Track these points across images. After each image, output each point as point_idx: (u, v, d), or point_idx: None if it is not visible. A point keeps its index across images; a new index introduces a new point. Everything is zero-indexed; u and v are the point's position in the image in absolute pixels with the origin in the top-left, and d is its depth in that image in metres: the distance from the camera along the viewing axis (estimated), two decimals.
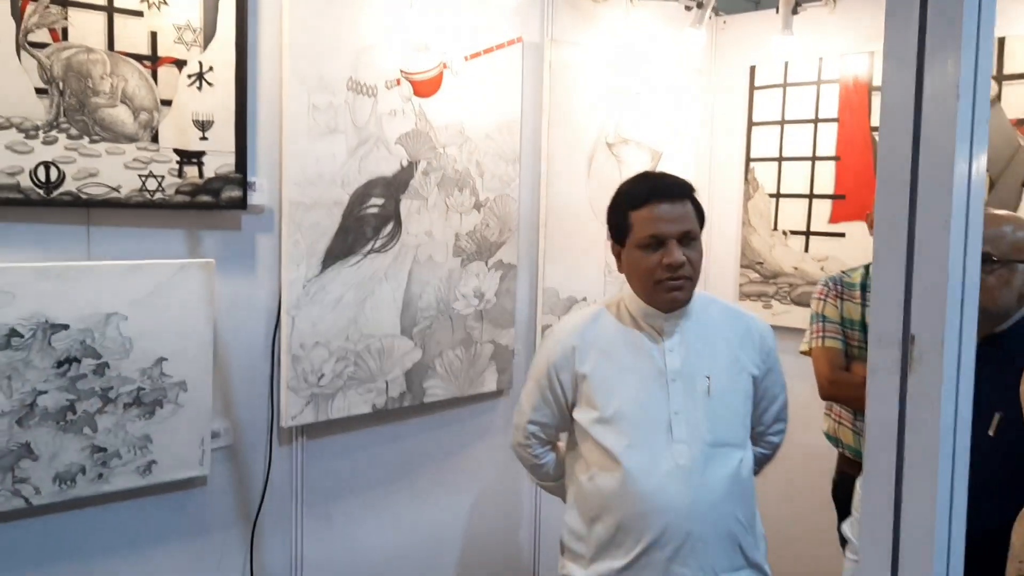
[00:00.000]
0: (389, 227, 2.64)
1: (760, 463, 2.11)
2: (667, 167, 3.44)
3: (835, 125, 3.29)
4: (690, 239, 1.87)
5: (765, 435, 2.09)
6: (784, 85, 3.44)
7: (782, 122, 3.45)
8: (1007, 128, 2.84)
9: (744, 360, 1.95)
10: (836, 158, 3.30)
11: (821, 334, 2.65)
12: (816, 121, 3.35)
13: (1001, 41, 2.84)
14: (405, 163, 2.65)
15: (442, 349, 2.80)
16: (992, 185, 2.87)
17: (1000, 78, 2.84)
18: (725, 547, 1.85)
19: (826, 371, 2.62)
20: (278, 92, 2.37)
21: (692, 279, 1.89)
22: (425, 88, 2.68)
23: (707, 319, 1.96)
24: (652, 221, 1.83)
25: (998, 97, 2.85)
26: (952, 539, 0.90)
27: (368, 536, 2.75)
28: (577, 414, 1.95)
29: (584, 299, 3.22)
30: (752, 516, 1.95)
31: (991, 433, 1.80)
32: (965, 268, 0.81)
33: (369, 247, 2.59)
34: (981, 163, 0.85)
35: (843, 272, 2.74)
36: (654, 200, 1.85)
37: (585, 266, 3.22)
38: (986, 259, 1.84)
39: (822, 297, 2.71)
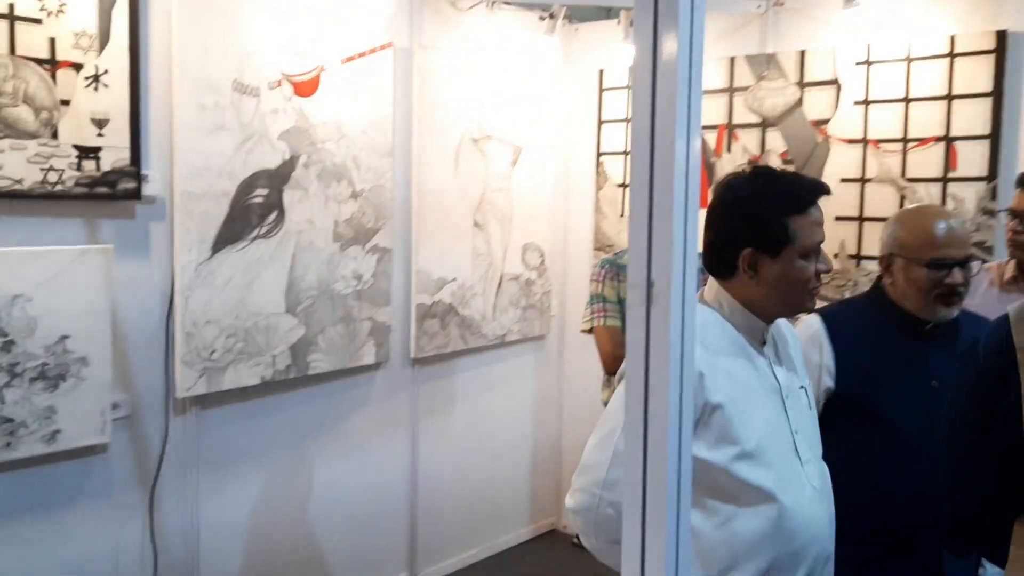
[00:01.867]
0: (273, 215, 2.91)
1: None
2: (527, 161, 3.82)
3: None
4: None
5: None
6: (629, 87, 3.88)
7: (627, 120, 3.89)
8: (807, 127, 3.34)
9: (800, 366, 1.82)
10: None
11: (603, 314, 2.86)
12: None
13: (802, 53, 3.33)
14: (287, 157, 2.92)
15: (324, 326, 3.09)
16: (800, 171, 3.37)
17: (802, 84, 3.34)
18: (831, 561, 1.73)
19: (609, 347, 2.78)
20: (168, 93, 2.60)
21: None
22: (304, 89, 2.96)
23: (777, 326, 1.76)
24: (816, 226, 1.63)
25: (800, 101, 3.35)
26: (683, 432, 1.29)
27: (260, 498, 3.02)
28: (701, 451, 1.59)
29: (454, 279, 3.56)
30: None
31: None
32: (686, 227, 1.20)
33: (255, 233, 2.85)
34: (695, 139, 1.23)
35: (616, 254, 2.99)
36: (815, 202, 1.64)
37: (454, 250, 3.56)
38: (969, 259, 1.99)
39: (600, 279, 2.88)
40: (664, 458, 1.28)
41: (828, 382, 2.03)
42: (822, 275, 1.64)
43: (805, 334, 2.05)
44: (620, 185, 3.94)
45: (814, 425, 1.73)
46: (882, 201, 3.18)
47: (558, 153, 4.02)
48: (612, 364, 2.79)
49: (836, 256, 3.30)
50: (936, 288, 1.96)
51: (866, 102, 3.20)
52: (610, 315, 2.84)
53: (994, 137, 2.93)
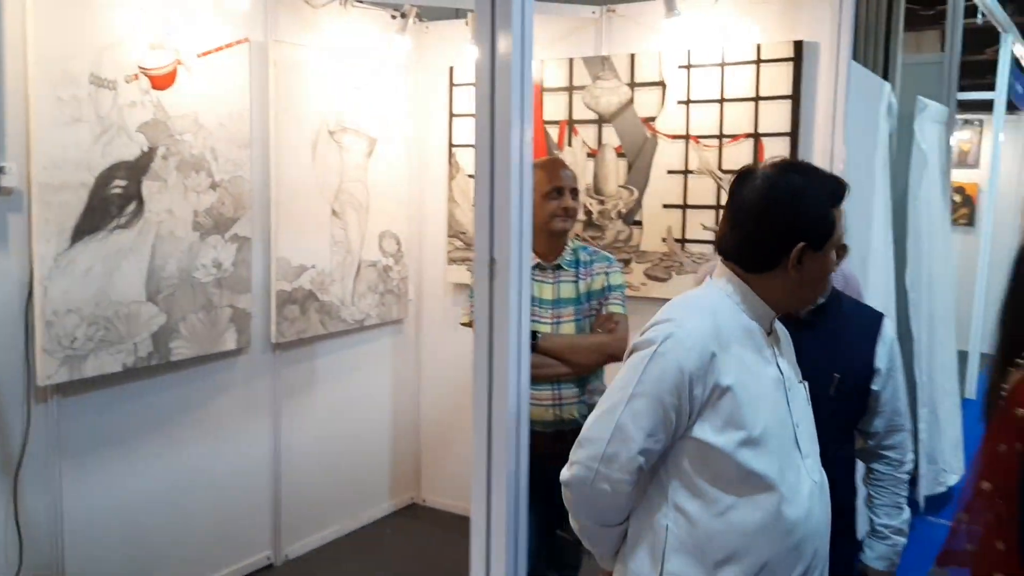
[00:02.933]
0: (132, 206, 2.98)
1: None
2: (382, 152, 4.00)
3: None
4: None
5: None
6: (477, 84, 4.11)
7: (477, 115, 4.12)
8: (638, 124, 3.69)
9: (794, 360, 1.79)
10: None
11: None
12: None
13: (632, 56, 3.67)
14: (145, 148, 2.99)
15: (185, 313, 3.18)
16: (630, 167, 3.71)
17: (632, 84, 3.68)
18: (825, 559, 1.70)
19: None
20: (24, 85, 2.64)
21: None
22: (161, 82, 3.04)
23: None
24: (841, 219, 1.64)
25: (631, 100, 3.69)
26: (521, 381, 1.54)
27: (125, 483, 3.08)
28: (707, 435, 1.56)
29: (313, 266, 3.70)
30: None
31: (832, 393, 1.99)
32: (521, 211, 1.44)
33: (115, 224, 2.92)
34: (528, 129, 1.48)
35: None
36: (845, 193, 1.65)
37: (313, 238, 3.70)
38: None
39: None
40: (505, 400, 1.53)
41: None
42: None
43: None
44: (471, 175, 4.18)
45: (812, 421, 1.71)
46: (702, 190, 3.57)
47: (412, 145, 4.22)
48: None
49: (664, 240, 3.66)
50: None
51: (687, 102, 3.57)
52: None
53: (793, 134, 3.36)
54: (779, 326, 1.73)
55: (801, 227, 1.57)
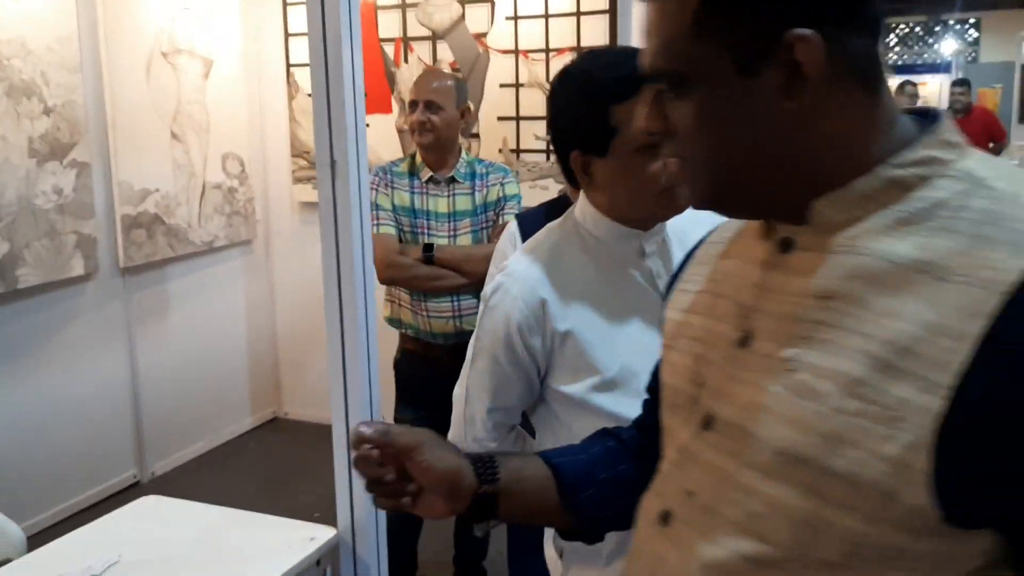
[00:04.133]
0: None
1: None
2: (219, 73, 4.01)
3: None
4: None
5: None
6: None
7: (309, 31, 4.18)
8: (470, 39, 3.87)
9: None
10: None
11: (376, 221, 2.71)
12: None
13: None
14: None
15: (28, 240, 3.18)
16: (464, 80, 3.89)
17: (463, 2, 3.84)
18: None
19: (382, 255, 2.61)
20: None
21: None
22: None
23: (678, 227, 1.51)
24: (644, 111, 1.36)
25: (463, 17, 3.86)
26: (366, 273, 1.75)
27: None
28: (561, 385, 1.48)
29: (157, 190, 3.72)
30: None
31: None
32: (356, 117, 1.63)
33: None
34: (358, 44, 1.65)
35: (391, 163, 2.91)
36: (646, 86, 1.28)
37: (154, 161, 3.71)
38: None
39: (374, 187, 2.79)
40: (354, 299, 1.74)
41: None
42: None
43: (502, 242, 2.06)
44: (311, 95, 4.25)
45: None
46: (533, 103, 3.81)
47: (250, 66, 4.23)
48: (386, 272, 2.68)
49: (500, 151, 3.90)
50: None
51: (515, 17, 3.78)
52: (383, 223, 2.70)
53: (614, 45, 3.63)
54: (687, 234, 1.35)
55: (568, 134, 1.41)
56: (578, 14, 3.67)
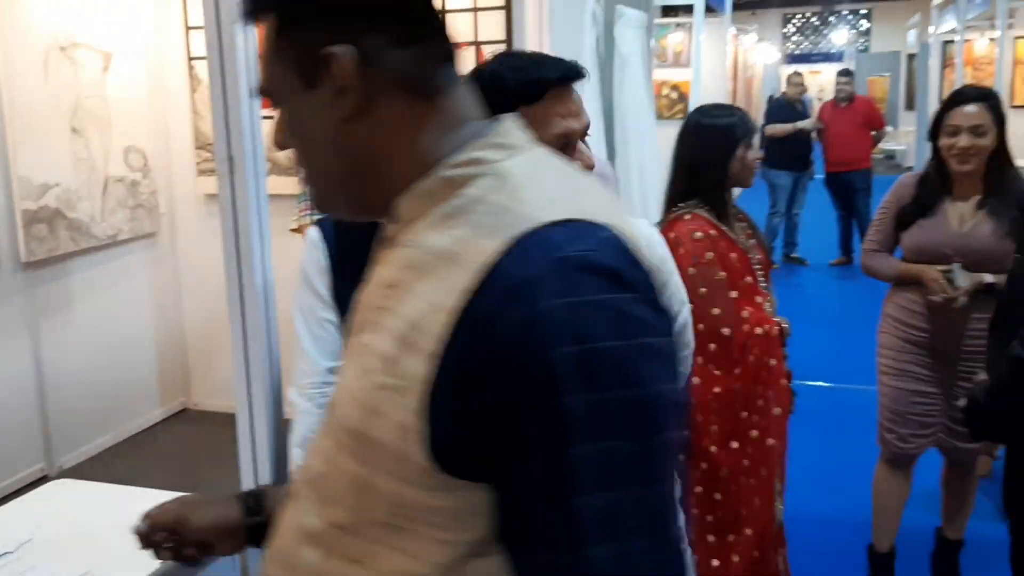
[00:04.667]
0: None
1: None
2: (119, 67, 4.01)
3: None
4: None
5: None
6: None
7: (205, 24, 4.22)
8: None
9: None
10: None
11: (309, 211, 2.79)
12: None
13: None
14: None
15: None
16: None
17: None
18: None
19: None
20: None
21: None
22: None
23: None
24: (556, 117, 1.43)
25: None
26: (266, 275, 1.86)
27: None
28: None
29: (57, 184, 3.71)
30: None
31: None
32: (252, 114, 1.74)
33: None
34: (252, 34, 1.75)
35: None
36: (552, 91, 1.42)
37: (54, 156, 3.70)
38: None
39: None
40: (254, 290, 1.85)
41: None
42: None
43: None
44: None
45: None
46: None
47: (151, 58, 4.24)
48: None
49: None
50: None
51: None
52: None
53: (508, 42, 3.78)
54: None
55: None
56: (475, 10, 3.81)
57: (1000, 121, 2.67)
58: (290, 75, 0.88)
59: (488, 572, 0.82)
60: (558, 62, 1.42)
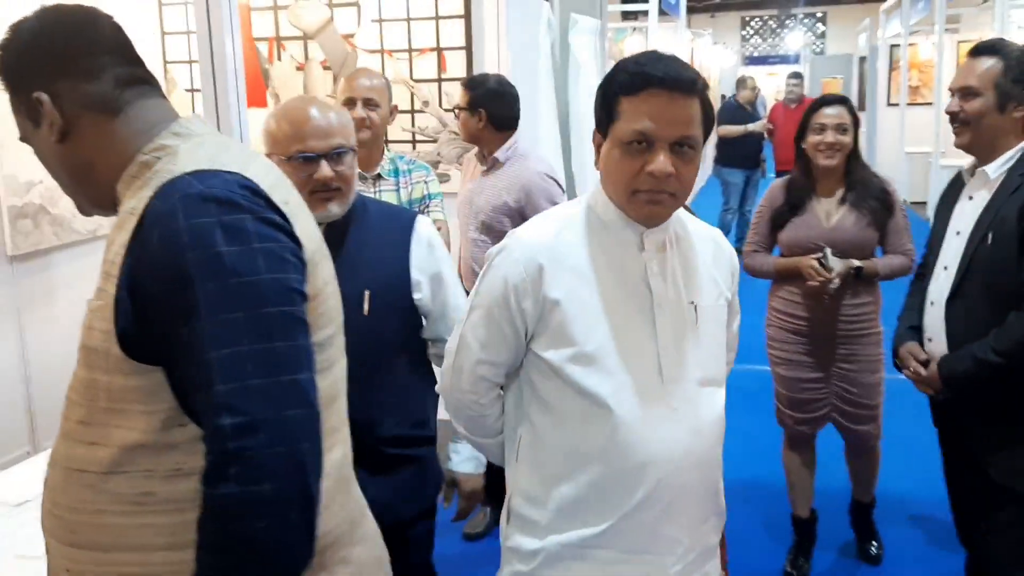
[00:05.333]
0: None
1: None
2: None
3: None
4: (686, 147, 1.50)
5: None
6: (185, 2, 4.41)
7: (187, 32, 4.44)
8: (339, 40, 4.22)
9: (720, 282, 1.68)
10: None
11: None
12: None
13: None
14: None
15: None
16: (335, 78, 4.24)
17: (331, 5, 4.19)
18: (709, 498, 1.66)
19: None
20: None
21: (677, 196, 1.53)
22: None
23: (684, 234, 1.66)
24: (644, 116, 1.48)
25: (331, 19, 4.20)
26: None
27: None
28: (541, 348, 1.58)
29: (41, 182, 3.91)
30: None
31: (366, 312, 1.91)
32: (239, 113, 1.99)
33: None
34: (239, 40, 2.00)
35: (397, 156, 2.92)
36: (653, 88, 1.48)
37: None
38: None
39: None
40: None
41: None
42: (660, 180, 1.48)
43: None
44: (188, 89, 4.51)
45: (702, 344, 1.61)
46: (399, 96, 4.18)
47: None
48: None
49: None
50: (308, 185, 1.87)
51: (380, 20, 4.15)
52: None
53: (468, 48, 4.05)
54: (691, 241, 1.65)
55: (595, 109, 1.58)
56: (437, 18, 4.08)
57: (856, 123, 3.02)
58: (25, 121, 1.34)
59: (191, 436, 1.18)
60: (672, 68, 1.49)
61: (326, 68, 4.26)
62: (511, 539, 1.66)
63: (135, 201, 1.20)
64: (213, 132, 1.35)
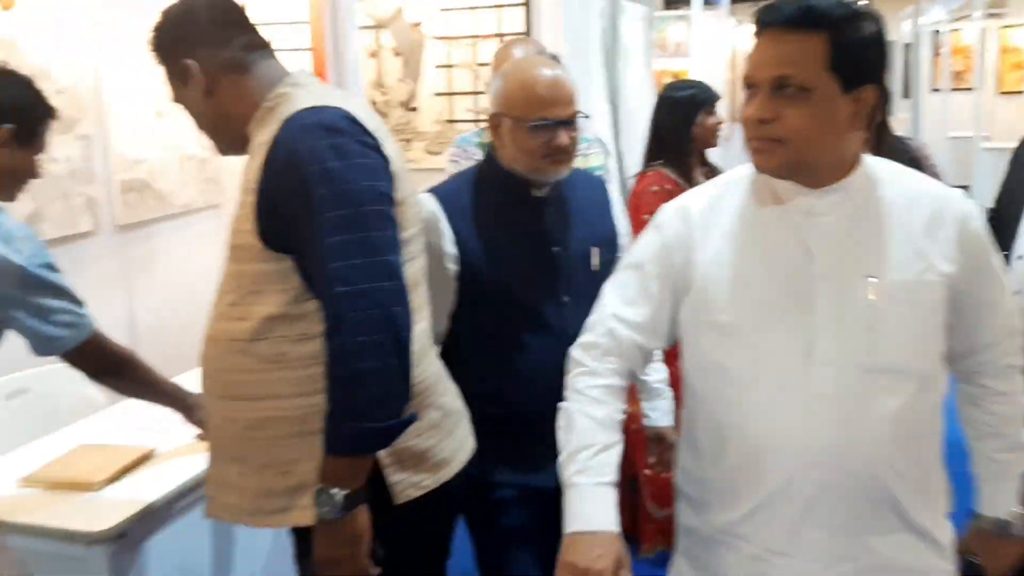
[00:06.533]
0: None
1: (991, 404, 1.54)
2: None
3: None
4: (789, 87, 1.33)
5: (986, 362, 1.52)
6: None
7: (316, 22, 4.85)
8: (409, 28, 4.60)
9: (933, 255, 1.41)
10: None
11: None
12: None
13: None
14: None
15: (48, 201, 3.81)
16: (406, 63, 4.63)
17: None
18: (876, 507, 1.42)
19: None
20: None
21: (785, 142, 1.35)
22: (5, 2, 3.58)
23: (874, 198, 1.43)
24: (750, 59, 1.39)
25: (402, 9, 4.59)
26: None
27: None
28: (685, 313, 1.52)
29: (146, 160, 4.36)
30: (926, 470, 1.48)
31: (595, 268, 1.96)
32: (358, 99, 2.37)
33: None
34: (352, 35, 2.38)
35: (473, 133, 2.89)
36: (760, 28, 1.39)
37: (144, 136, 4.35)
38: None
39: (456, 159, 2.83)
40: None
41: (452, 266, 2.00)
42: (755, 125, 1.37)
43: (422, 217, 2.18)
44: None
45: (879, 325, 1.41)
46: (463, 80, 4.57)
47: None
48: None
49: (436, 122, 4.65)
50: (543, 149, 1.90)
51: (447, 9, 4.53)
52: None
53: (527, 33, 4.41)
54: (859, 200, 1.43)
55: None
56: (499, 6, 4.44)
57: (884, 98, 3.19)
58: (176, 84, 1.77)
59: (313, 308, 1.58)
60: (782, 5, 1.38)
61: (396, 55, 4.64)
62: (679, 513, 1.63)
63: (264, 135, 1.60)
64: (318, 81, 1.77)
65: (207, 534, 2.21)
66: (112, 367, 2.21)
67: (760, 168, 1.42)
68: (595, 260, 1.98)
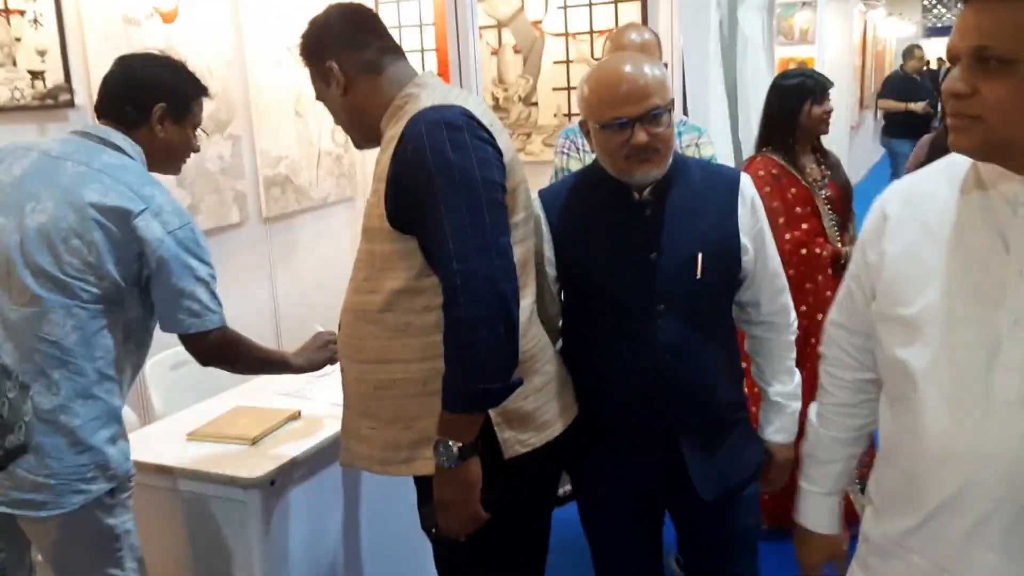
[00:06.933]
0: None
1: None
2: None
3: None
4: (986, 59, 1.17)
5: None
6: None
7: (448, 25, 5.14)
8: (529, 26, 4.79)
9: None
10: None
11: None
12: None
13: None
14: None
15: (203, 195, 4.20)
16: (525, 60, 4.83)
17: None
18: None
19: None
20: (81, 28, 3.57)
21: (983, 119, 1.20)
22: (168, 18, 3.98)
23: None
24: None
25: (522, 8, 4.78)
26: None
27: None
28: (874, 306, 1.43)
29: (287, 156, 4.72)
30: None
31: (698, 275, 1.89)
32: (478, 89, 2.57)
33: None
34: (474, 34, 2.59)
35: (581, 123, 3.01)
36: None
37: (285, 134, 4.70)
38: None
39: (564, 151, 2.80)
40: None
41: (550, 270, 2.02)
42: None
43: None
44: None
45: None
46: (581, 76, 4.72)
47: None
48: None
49: (555, 115, 4.83)
50: (623, 150, 1.84)
51: (565, 7, 4.70)
52: None
53: None
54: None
55: None
56: (615, 1, 4.58)
57: None
58: (320, 83, 1.95)
59: (434, 283, 1.77)
60: None
61: (516, 52, 4.84)
62: (863, 519, 1.53)
63: (394, 131, 1.79)
64: (441, 82, 1.96)
65: (339, 488, 2.47)
66: (221, 360, 2.36)
67: (955, 148, 1.25)
68: (699, 267, 1.87)
